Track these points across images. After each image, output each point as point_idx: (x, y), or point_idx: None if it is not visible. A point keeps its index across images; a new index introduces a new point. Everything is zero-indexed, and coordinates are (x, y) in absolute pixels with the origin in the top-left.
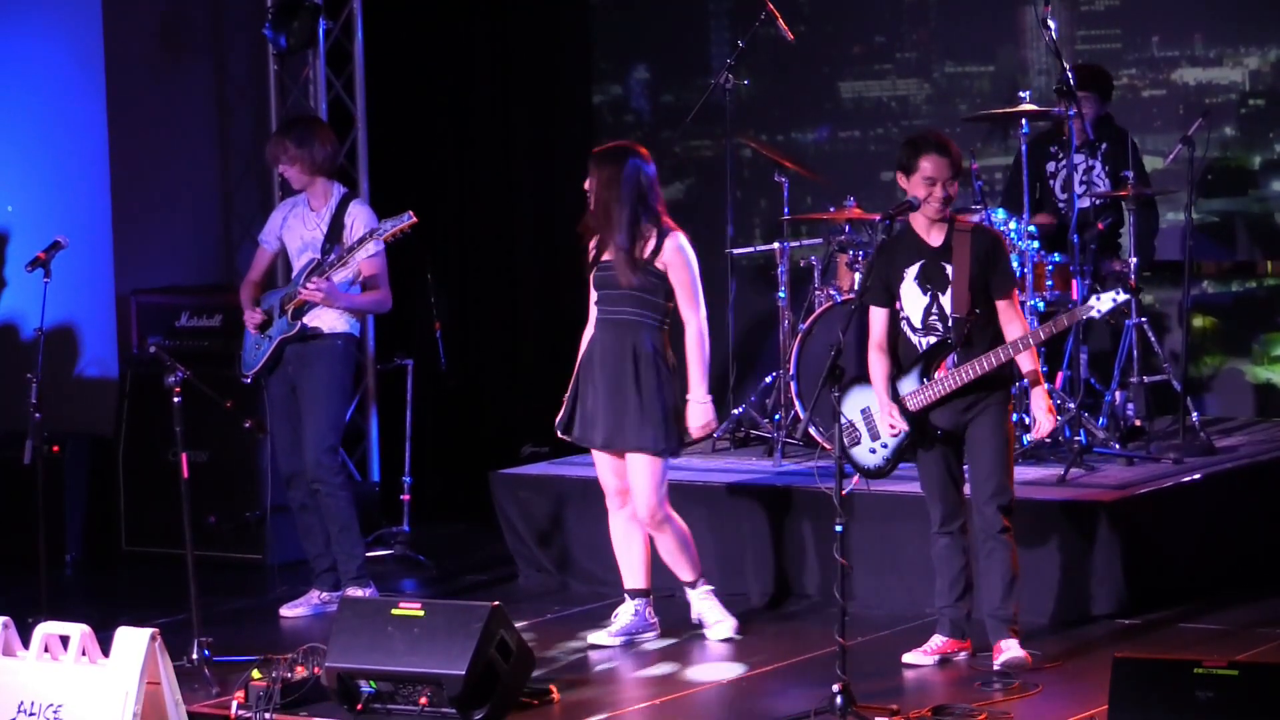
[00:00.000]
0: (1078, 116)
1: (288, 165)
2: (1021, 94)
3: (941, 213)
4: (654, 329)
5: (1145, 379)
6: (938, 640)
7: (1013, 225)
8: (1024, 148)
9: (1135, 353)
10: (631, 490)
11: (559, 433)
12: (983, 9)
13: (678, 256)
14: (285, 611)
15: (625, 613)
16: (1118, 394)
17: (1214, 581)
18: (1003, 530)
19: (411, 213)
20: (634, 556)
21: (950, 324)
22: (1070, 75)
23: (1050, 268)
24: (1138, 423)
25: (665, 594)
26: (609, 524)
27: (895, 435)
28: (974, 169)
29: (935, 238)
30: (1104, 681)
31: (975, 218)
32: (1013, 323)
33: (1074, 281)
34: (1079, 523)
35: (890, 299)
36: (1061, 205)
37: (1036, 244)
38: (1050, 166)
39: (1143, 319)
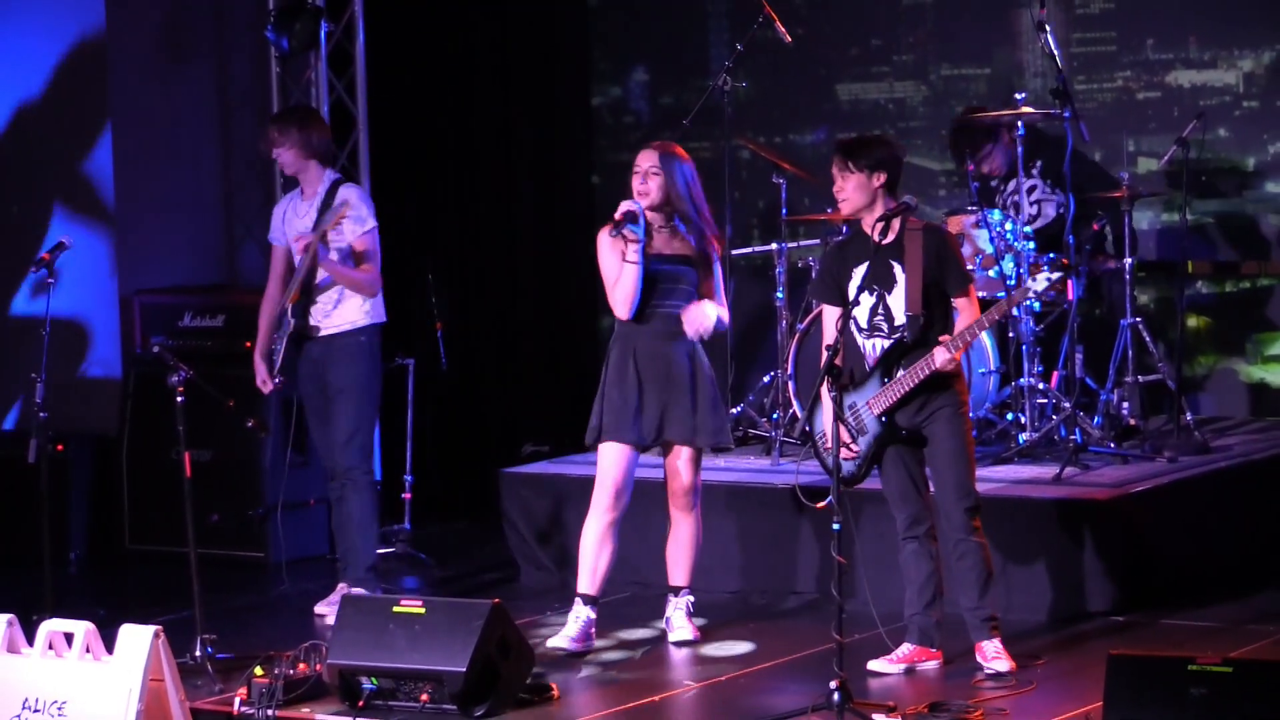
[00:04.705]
0: (1073, 119)
1: (284, 148)
2: (1017, 96)
3: (844, 212)
4: None
5: (1140, 378)
6: (906, 648)
7: (1009, 226)
8: (1020, 149)
9: (1130, 352)
10: (682, 478)
11: (600, 441)
12: (979, 12)
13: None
14: (320, 609)
15: (580, 617)
16: (1113, 393)
17: (1208, 579)
18: (972, 531)
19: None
20: (602, 563)
21: (905, 323)
22: (1063, 78)
23: (1045, 268)
24: (1133, 422)
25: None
26: (589, 524)
27: (852, 456)
28: (970, 170)
29: (886, 237)
30: (1099, 678)
31: (971, 219)
32: (968, 317)
33: (1069, 282)
34: (1074, 521)
35: (842, 298)
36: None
37: (1032, 244)
38: (1004, 199)
39: (1138, 319)
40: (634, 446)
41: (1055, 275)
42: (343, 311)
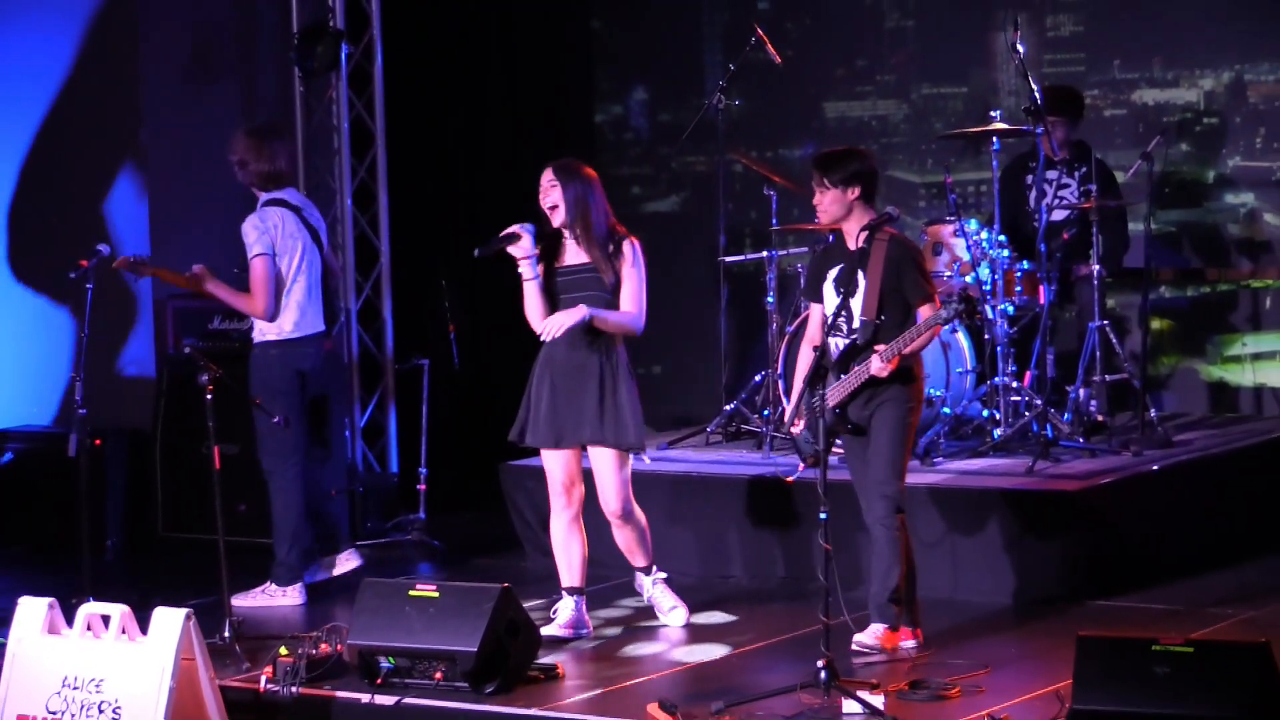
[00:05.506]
0: (1045, 135)
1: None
2: (993, 113)
3: (823, 221)
4: None
5: (1107, 377)
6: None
7: (984, 235)
8: (995, 163)
9: (1098, 353)
10: (606, 486)
11: (521, 442)
12: (957, 34)
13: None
14: (334, 570)
15: (566, 608)
16: (1082, 391)
17: (1170, 565)
18: (889, 522)
19: None
20: (575, 557)
21: (858, 326)
22: (1038, 96)
23: (1019, 274)
24: (1100, 418)
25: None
26: (552, 524)
27: (798, 432)
28: (948, 182)
29: (855, 244)
30: (1068, 658)
31: (949, 228)
32: None
33: (1041, 288)
34: (1045, 511)
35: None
36: (1035, 218)
37: (1007, 252)
38: (1028, 179)
39: (1105, 321)
40: (561, 447)
41: (960, 305)
42: (255, 328)
